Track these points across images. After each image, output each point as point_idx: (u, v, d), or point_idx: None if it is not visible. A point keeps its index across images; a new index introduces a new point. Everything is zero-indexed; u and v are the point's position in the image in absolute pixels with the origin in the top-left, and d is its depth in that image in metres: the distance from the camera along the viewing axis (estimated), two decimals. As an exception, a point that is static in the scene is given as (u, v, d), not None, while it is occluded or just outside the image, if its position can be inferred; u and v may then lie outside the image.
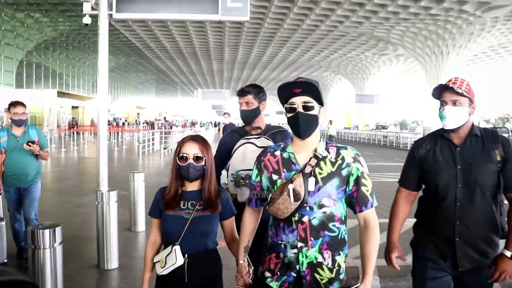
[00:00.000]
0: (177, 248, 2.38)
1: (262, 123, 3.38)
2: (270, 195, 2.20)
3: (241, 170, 3.07)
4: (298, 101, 2.12)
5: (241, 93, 3.37)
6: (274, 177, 2.22)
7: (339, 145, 2.25)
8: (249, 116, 3.34)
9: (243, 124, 3.49)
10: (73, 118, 39.77)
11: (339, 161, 2.16)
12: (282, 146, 2.28)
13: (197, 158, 2.46)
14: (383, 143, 35.68)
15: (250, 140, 3.15)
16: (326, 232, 2.13)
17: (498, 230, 2.62)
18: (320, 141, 2.21)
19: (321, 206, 2.12)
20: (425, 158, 2.72)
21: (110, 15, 7.43)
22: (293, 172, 2.16)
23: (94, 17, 9.89)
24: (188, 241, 2.43)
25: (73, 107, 41.85)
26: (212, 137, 39.80)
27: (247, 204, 2.41)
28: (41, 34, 35.96)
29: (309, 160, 2.16)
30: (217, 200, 2.53)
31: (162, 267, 2.40)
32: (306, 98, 2.12)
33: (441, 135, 2.72)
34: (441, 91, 2.67)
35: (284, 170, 2.19)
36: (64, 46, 41.02)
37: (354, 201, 2.17)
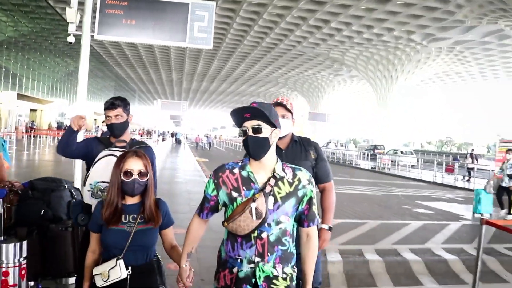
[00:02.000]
0: (121, 262, 2.41)
1: (127, 137, 3.39)
2: (229, 212, 2.28)
3: (100, 182, 2.97)
4: (249, 125, 2.24)
5: (112, 106, 3.28)
6: (234, 194, 2.27)
7: (293, 166, 2.37)
8: (120, 129, 3.31)
9: (109, 135, 3.46)
10: (32, 121, 39.62)
11: (296, 182, 2.29)
12: (240, 164, 2.35)
13: (141, 174, 2.51)
14: (331, 159, 37.35)
15: (114, 152, 3.05)
16: (279, 247, 2.25)
17: None
18: (277, 161, 2.32)
19: (278, 222, 2.23)
20: None
21: (92, 36, 8.59)
22: (253, 191, 2.24)
23: (62, 25, 10.62)
24: (130, 254, 2.46)
25: (31, 110, 41.67)
26: (169, 147, 40.49)
27: (196, 213, 2.46)
28: (2, 34, 35.91)
29: (268, 180, 2.25)
30: (157, 212, 2.56)
31: (105, 280, 2.40)
32: (256, 122, 2.23)
33: None
34: (274, 107, 3.26)
35: (244, 188, 2.26)
36: (25, 48, 40.91)
37: (304, 218, 2.32)
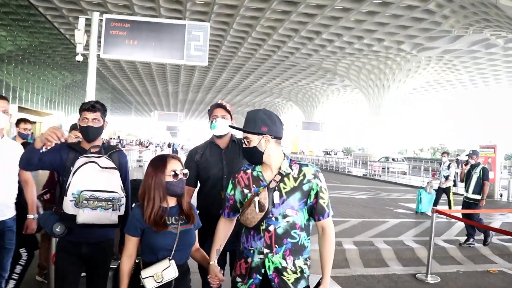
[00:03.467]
0: (173, 262, 2.47)
1: (99, 142, 3.23)
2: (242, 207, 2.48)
3: (85, 190, 2.83)
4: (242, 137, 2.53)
5: (92, 108, 3.13)
6: (245, 191, 2.50)
7: (301, 162, 2.52)
8: (95, 133, 3.15)
9: (80, 140, 3.27)
10: (32, 133, 40.26)
11: (301, 177, 2.44)
12: (253, 166, 2.55)
13: (184, 174, 2.60)
14: (325, 167, 38.48)
15: (92, 159, 2.97)
16: (288, 240, 2.39)
17: None
18: (284, 159, 2.49)
19: (285, 216, 2.39)
20: (200, 160, 3.46)
21: (98, 55, 9.47)
22: (261, 187, 2.44)
23: (64, 43, 11.38)
24: (177, 254, 2.53)
25: (31, 122, 42.53)
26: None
27: (221, 214, 2.68)
28: (2, 48, 36.76)
29: (274, 176, 2.44)
30: (193, 212, 2.68)
31: (159, 282, 2.43)
32: (244, 135, 2.49)
33: (210, 142, 3.51)
34: (214, 108, 3.47)
35: (254, 186, 2.47)
36: (24, 62, 41.78)
37: (314, 211, 2.45)
